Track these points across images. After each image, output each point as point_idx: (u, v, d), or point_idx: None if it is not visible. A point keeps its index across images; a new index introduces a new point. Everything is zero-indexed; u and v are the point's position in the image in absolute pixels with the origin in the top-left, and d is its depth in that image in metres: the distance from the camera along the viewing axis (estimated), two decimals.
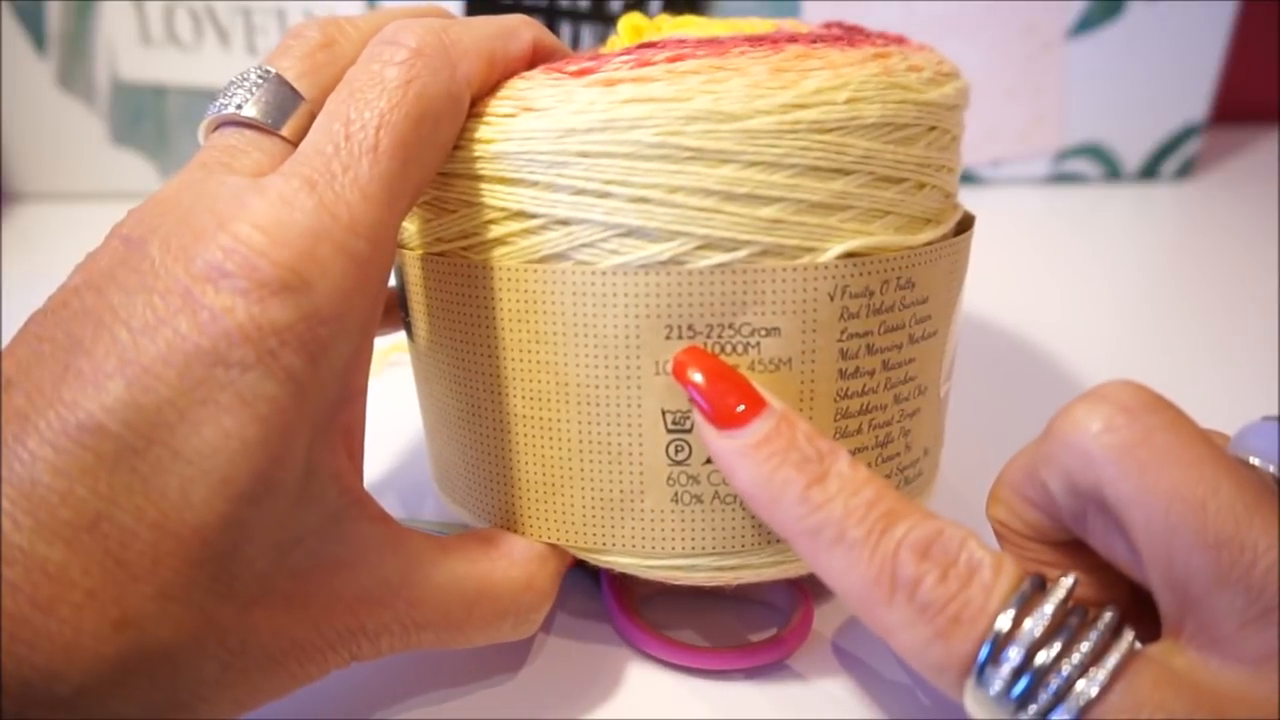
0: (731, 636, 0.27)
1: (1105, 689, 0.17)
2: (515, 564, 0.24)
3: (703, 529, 0.24)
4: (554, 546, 0.25)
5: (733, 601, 0.28)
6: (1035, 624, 0.18)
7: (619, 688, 0.25)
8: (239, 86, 0.22)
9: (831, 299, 0.22)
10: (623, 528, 0.24)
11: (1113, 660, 0.17)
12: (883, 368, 0.23)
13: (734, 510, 0.23)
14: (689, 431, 0.23)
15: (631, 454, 0.23)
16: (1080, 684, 0.17)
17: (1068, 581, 0.19)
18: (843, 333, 0.22)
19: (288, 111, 0.22)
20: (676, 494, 0.23)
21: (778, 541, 0.24)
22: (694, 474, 0.23)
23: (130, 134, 0.63)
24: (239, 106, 0.21)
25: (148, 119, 0.62)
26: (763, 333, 0.22)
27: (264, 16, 0.59)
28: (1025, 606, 0.18)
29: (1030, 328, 0.45)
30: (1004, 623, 0.18)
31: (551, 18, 0.59)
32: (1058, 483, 0.20)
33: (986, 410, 0.37)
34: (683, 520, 0.23)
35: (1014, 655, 0.18)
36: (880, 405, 0.24)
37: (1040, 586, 0.19)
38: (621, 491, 0.23)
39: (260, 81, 0.22)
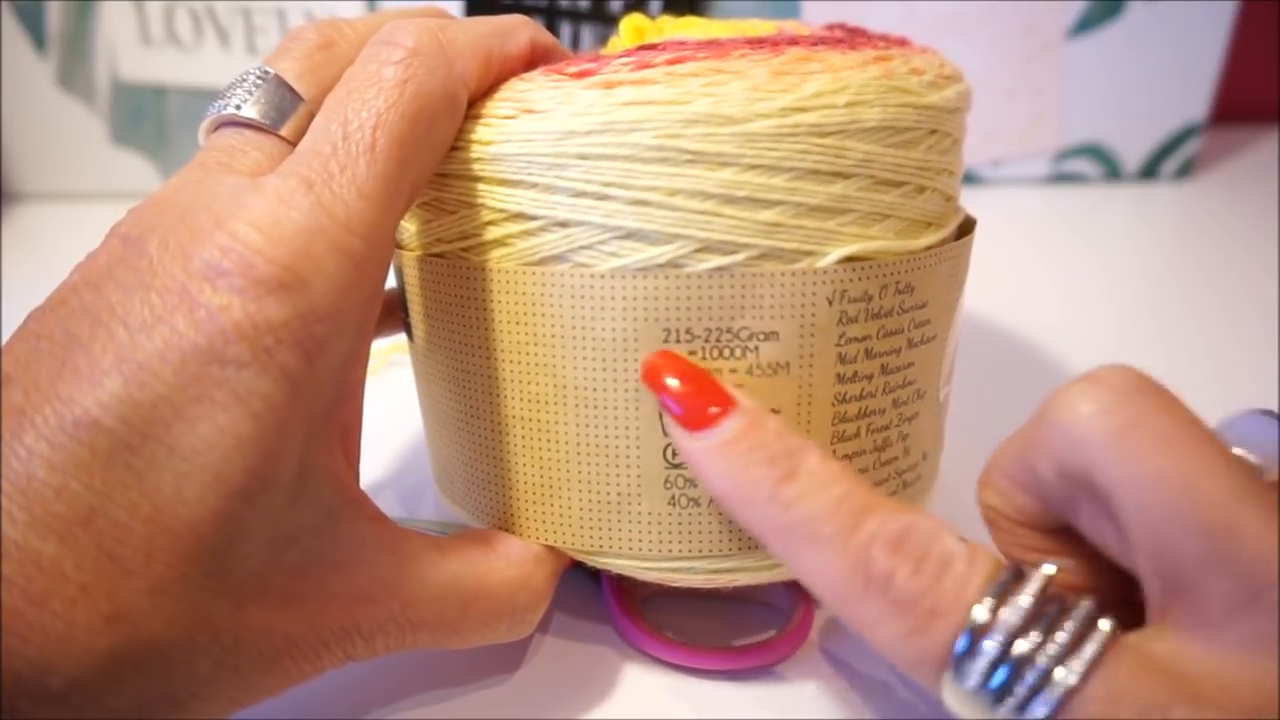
0: (732, 637, 0.27)
1: (1083, 679, 0.17)
2: (511, 564, 0.24)
3: (699, 532, 0.23)
4: (551, 548, 0.25)
5: (733, 603, 0.28)
6: (1011, 614, 0.18)
7: (617, 688, 0.25)
8: (238, 87, 0.22)
9: (830, 303, 0.22)
10: (619, 530, 0.24)
11: (1090, 649, 0.17)
12: (881, 372, 0.23)
13: None
14: None
15: (628, 457, 0.23)
16: (1058, 673, 0.17)
17: (1046, 570, 0.18)
18: (841, 337, 0.22)
19: (286, 112, 0.22)
20: (673, 497, 0.23)
21: None
22: (691, 477, 0.23)
23: (130, 134, 0.63)
24: (238, 107, 0.22)
25: (148, 119, 0.62)
26: (761, 337, 0.22)
27: (264, 16, 0.59)
28: (1002, 597, 0.18)
29: (1030, 328, 0.45)
30: (980, 614, 0.18)
31: (551, 18, 0.59)
32: (1048, 466, 0.20)
33: (986, 411, 0.36)
34: (679, 523, 0.23)
35: (991, 647, 0.18)
36: (879, 410, 0.24)
37: (1018, 576, 0.18)
38: (618, 494, 0.23)
39: (259, 82, 0.22)
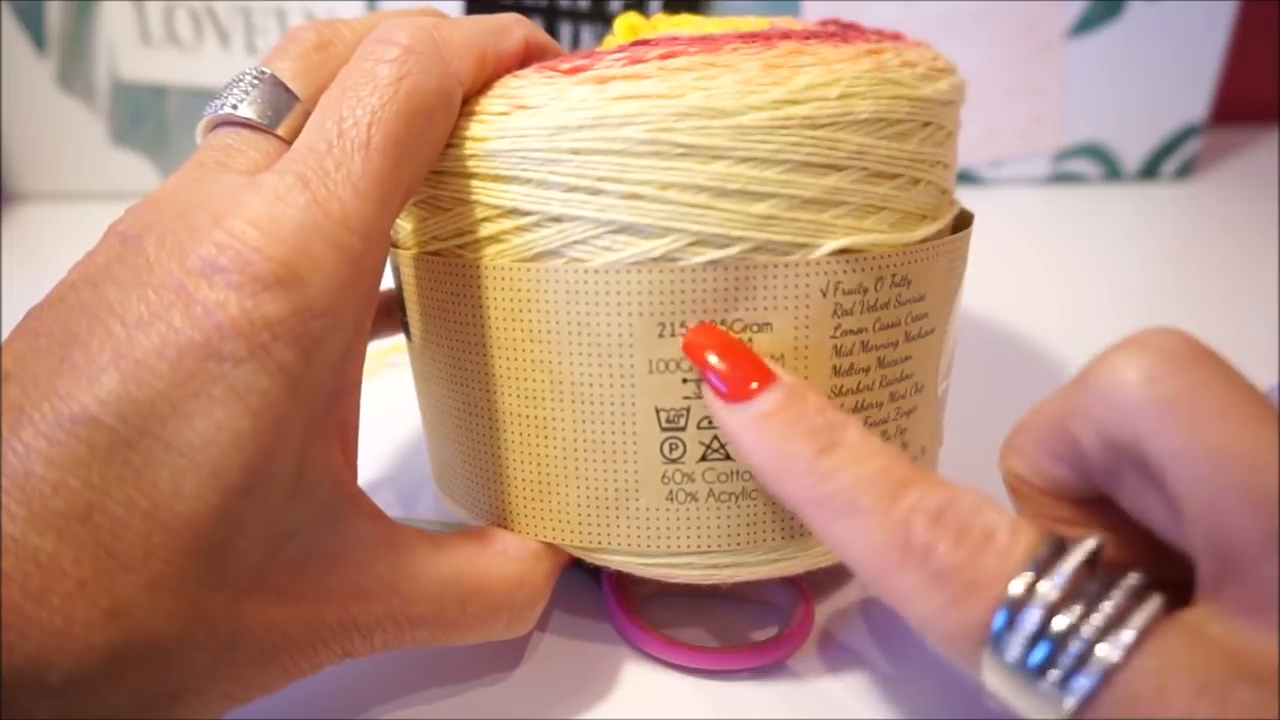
0: (732, 636, 0.27)
1: (1130, 652, 0.16)
2: (510, 561, 0.24)
3: (698, 527, 0.24)
4: (550, 545, 0.25)
5: (733, 601, 0.28)
6: (1052, 586, 0.17)
7: (616, 687, 0.25)
8: (235, 87, 0.22)
9: (824, 295, 0.22)
10: (618, 526, 0.24)
11: (1138, 622, 0.16)
12: (878, 365, 0.23)
13: (729, 508, 0.23)
14: (683, 429, 0.23)
15: (626, 452, 0.23)
16: (1102, 647, 0.16)
17: (1089, 543, 0.18)
18: (836, 329, 0.22)
19: (283, 111, 0.22)
20: (671, 492, 0.23)
21: (773, 539, 0.24)
22: (688, 472, 0.23)
23: (130, 134, 0.63)
24: (234, 106, 0.22)
25: (148, 119, 0.62)
26: (755, 328, 0.22)
27: (264, 16, 0.59)
28: (1043, 569, 0.17)
29: (1030, 328, 0.45)
30: (1019, 586, 0.17)
31: (551, 18, 0.59)
32: (1091, 436, 0.19)
33: (985, 410, 0.37)
34: (678, 518, 0.23)
35: (1031, 619, 0.17)
36: (875, 403, 0.24)
37: (1060, 549, 0.18)
38: (616, 490, 0.23)
39: (256, 82, 0.22)
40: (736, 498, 0.23)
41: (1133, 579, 0.17)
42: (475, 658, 0.26)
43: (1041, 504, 0.21)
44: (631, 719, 0.24)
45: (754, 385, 0.21)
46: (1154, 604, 0.17)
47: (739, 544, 0.24)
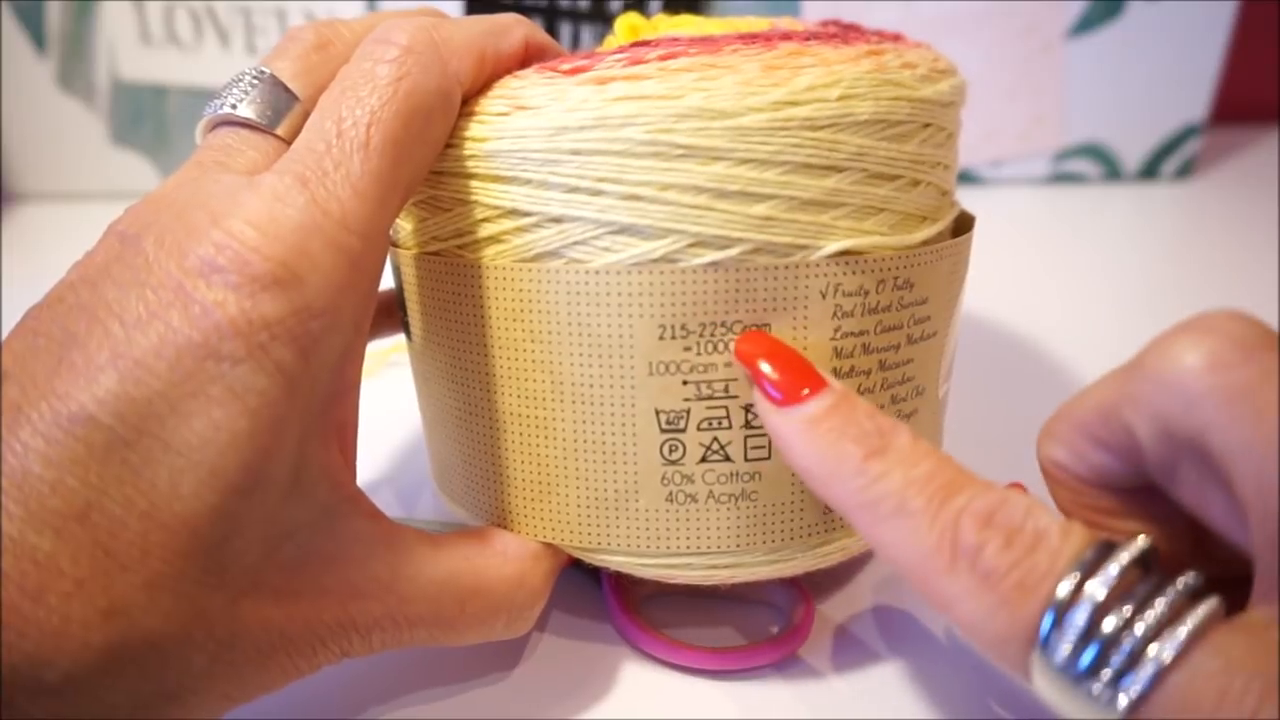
0: (732, 636, 0.27)
1: (1183, 652, 0.16)
2: (509, 561, 0.24)
3: (697, 528, 0.24)
4: (549, 545, 0.25)
5: (733, 601, 0.28)
6: (1100, 586, 0.17)
7: (615, 687, 0.25)
8: (234, 87, 0.22)
9: (823, 296, 0.22)
10: (617, 527, 0.24)
11: (1192, 622, 0.16)
12: (879, 368, 0.23)
13: (728, 509, 0.23)
14: (683, 431, 0.23)
15: (626, 453, 0.23)
16: (1153, 647, 0.16)
17: (1139, 543, 0.17)
18: (836, 331, 0.22)
19: (282, 111, 0.22)
20: (671, 493, 0.23)
21: (773, 540, 0.24)
22: (688, 473, 0.23)
23: (130, 134, 0.63)
24: (234, 106, 0.22)
25: (148, 119, 0.62)
26: (754, 330, 0.22)
27: (264, 16, 0.59)
28: (1090, 570, 0.17)
29: (1030, 328, 0.45)
30: (1067, 587, 0.17)
31: (551, 18, 0.59)
32: (1148, 426, 0.18)
33: (986, 410, 0.37)
34: (677, 519, 0.23)
35: (1078, 619, 0.17)
36: (876, 405, 0.24)
37: (1109, 549, 0.17)
38: (616, 491, 0.23)
39: (256, 82, 0.22)
40: (736, 499, 0.23)
41: (1187, 579, 0.17)
42: (474, 658, 0.26)
43: (1081, 493, 0.21)
44: (631, 719, 0.24)
45: (805, 391, 0.21)
46: (1210, 604, 0.16)
47: (738, 545, 0.24)
